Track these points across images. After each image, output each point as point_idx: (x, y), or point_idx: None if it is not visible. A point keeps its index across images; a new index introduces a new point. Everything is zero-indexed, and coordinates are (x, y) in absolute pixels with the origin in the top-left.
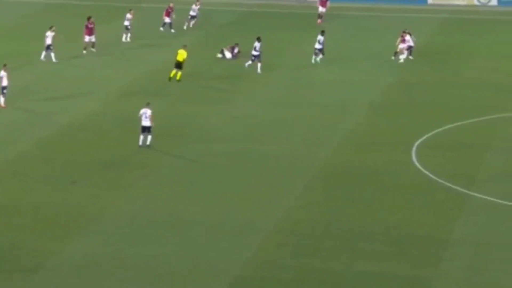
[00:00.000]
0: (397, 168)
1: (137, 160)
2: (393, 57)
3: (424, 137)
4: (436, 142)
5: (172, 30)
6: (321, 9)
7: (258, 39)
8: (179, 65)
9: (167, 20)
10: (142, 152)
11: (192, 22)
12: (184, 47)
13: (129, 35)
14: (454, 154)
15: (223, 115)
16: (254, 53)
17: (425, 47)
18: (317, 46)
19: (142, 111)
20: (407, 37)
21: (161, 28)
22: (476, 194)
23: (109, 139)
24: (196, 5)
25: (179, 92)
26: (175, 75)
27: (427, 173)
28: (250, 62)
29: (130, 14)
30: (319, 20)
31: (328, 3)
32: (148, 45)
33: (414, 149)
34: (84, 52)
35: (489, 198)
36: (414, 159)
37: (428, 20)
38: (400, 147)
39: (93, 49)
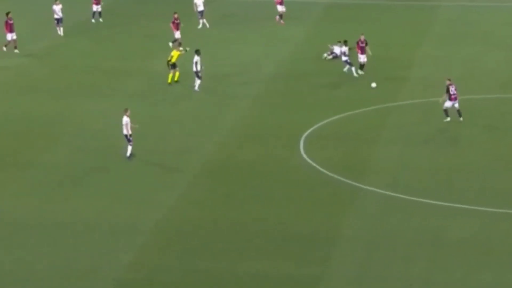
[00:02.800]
0: (283, 162)
1: (7, 161)
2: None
3: (311, 129)
4: (323, 134)
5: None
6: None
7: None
8: (173, 66)
9: (95, 8)
10: (12, 151)
11: (203, 19)
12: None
13: (61, 28)
14: (342, 146)
15: (98, 112)
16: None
17: (311, 35)
18: None
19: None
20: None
21: (93, 20)
22: (365, 187)
23: None
24: None
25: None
26: (173, 76)
27: (316, 166)
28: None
29: (57, 5)
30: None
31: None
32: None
33: (301, 142)
34: (4, 49)
35: (378, 190)
36: (301, 152)
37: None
38: (287, 140)
39: (16, 50)
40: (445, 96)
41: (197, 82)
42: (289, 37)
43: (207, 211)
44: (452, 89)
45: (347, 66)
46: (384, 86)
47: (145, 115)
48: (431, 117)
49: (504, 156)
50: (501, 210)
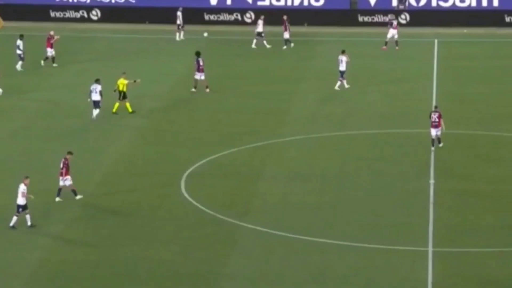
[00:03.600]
0: (165, 200)
1: None
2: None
3: (194, 167)
4: (206, 171)
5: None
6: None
7: None
8: (123, 96)
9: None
10: None
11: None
12: (124, 74)
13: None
14: (225, 184)
15: None
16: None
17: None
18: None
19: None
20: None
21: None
22: (248, 225)
23: None
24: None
25: None
26: (123, 106)
27: (198, 205)
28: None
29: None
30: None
31: None
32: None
33: (183, 179)
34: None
35: (261, 228)
36: (183, 190)
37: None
38: (168, 177)
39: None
40: (429, 122)
41: (96, 112)
42: (171, 70)
43: (88, 252)
44: (434, 117)
45: None
46: (266, 122)
47: (13, 153)
48: (313, 152)
49: (384, 191)
50: (382, 246)
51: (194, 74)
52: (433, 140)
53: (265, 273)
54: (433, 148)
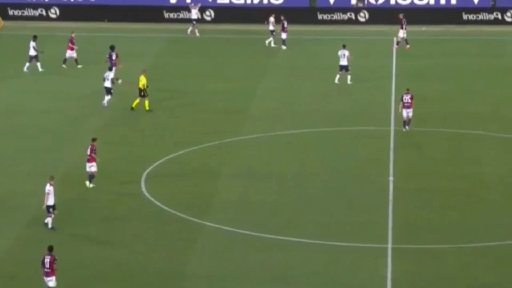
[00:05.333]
0: (125, 199)
1: None
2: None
3: (153, 166)
4: (166, 170)
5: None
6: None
7: None
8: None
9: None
10: None
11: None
12: (143, 72)
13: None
14: (186, 182)
15: None
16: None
17: (154, 68)
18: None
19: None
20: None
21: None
22: (209, 224)
23: None
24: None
25: None
26: (141, 104)
27: (158, 203)
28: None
29: (34, 41)
30: None
31: None
32: None
33: (143, 178)
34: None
35: (222, 226)
36: (143, 189)
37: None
38: (128, 177)
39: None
40: (400, 104)
41: (107, 98)
42: (130, 70)
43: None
44: (407, 98)
45: None
46: (226, 120)
47: None
48: (272, 151)
49: (343, 189)
50: (342, 244)
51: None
52: (404, 121)
53: (226, 271)
54: (404, 129)
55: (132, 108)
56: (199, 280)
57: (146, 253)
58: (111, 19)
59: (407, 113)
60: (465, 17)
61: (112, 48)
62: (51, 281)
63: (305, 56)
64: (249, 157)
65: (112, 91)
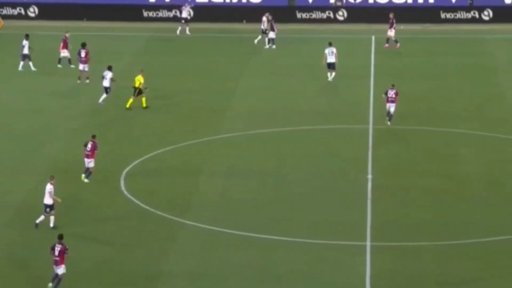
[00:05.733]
0: (104, 198)
1: None
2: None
3: (133, 164)
4: (146, 169)
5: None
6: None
7: None
8: (138, 92)
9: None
10: None
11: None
12: (141, 72)
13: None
14: (166, 181)
15: None
16: None
17: (129, 67)
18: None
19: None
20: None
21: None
22: (189, 222)
23: None
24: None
25: None
26: (139, 101)
27: (138, 202)
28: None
29: (27, 40)
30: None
31: None
32: None
33: (123, 177)
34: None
35: (202, 225)
36: (122, 188)
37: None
38: (107, 175)
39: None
40: (384, 98)
41: (104, 96)
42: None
43: (28, 251)
44: (391, 93)
45: None
46: (205, 119)
47: None
48: (251, 149)
49: (322, 187)
50: (321, 241)
51: (78, 66)
52: (388, 112)
53: (206, 270)
54: (389, 123)
55: (127, 108)
56: (179, 279)
57: (126, 252)
58: (90, 18)
59: (389, 107)
60: (443, 15)
61: (83, 45)
62: (60, 268)
63: (285, 55)
64: (229, 156)
65: (108, 90)
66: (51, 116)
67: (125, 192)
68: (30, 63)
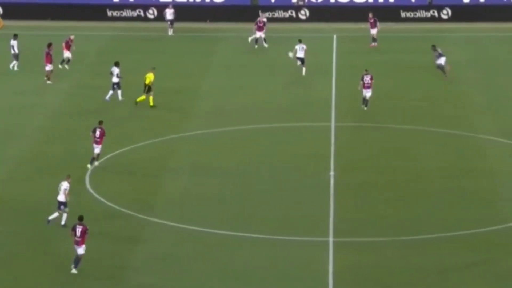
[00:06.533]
0: (69, 195)
1: None
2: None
3: (97, 162)
4: (110, 167)
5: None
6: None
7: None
8: (148, 89)
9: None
10: None
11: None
12: (153, 69)
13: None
14: (130, 179)
15: None
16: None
17: (97, 66)
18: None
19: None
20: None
21: (60, 66)
22: (154, 219)
23: None
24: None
25: None
26: (146, 100)
27: (103, 200)
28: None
29: (15, 40)
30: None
31: None
32: None
33: (87, 175)
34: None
35: (167, 222)
36: (87, 185)
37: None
38: (72, 173)
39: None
40: (360, 84)
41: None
42: (71, 69)
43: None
44: (367, 79)
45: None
46: (168, 117)
47: None
48: (215, 147)
49: (285, 184)
50: (285, 238)
51: (45, 66)
52: (364, 98)
53: (172, 267)
54: (365, 108)
55: (136, 103)
56: (144, 276)
57: (90, 249)
58: (55, 18)
59: (366, 92)
60: (403, 14)
61: (49, 45)
62: (81, 248)
63: (248, 54)
64: (192, 153)
65: (115, 86)
66: (15, 115)
67: (90, 190)
68: (15, 63)
